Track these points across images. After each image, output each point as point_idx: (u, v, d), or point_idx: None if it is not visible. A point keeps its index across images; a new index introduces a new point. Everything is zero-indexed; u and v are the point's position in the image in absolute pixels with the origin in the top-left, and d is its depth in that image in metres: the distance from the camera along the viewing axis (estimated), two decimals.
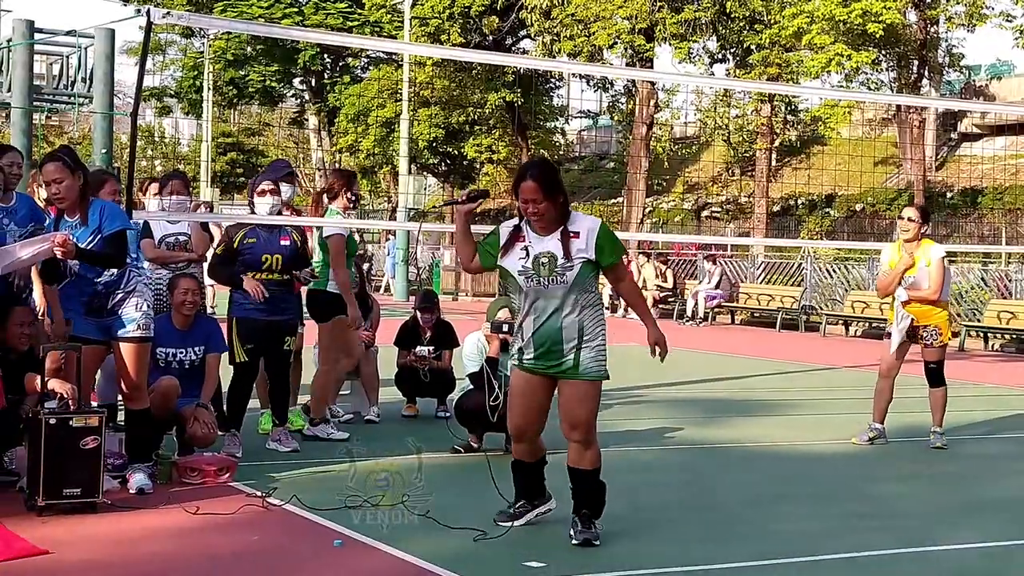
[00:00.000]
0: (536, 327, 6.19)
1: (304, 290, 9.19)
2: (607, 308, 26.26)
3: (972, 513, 7.50)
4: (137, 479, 7.13)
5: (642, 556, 6.10)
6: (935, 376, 9.81)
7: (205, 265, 9.26)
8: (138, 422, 7.24)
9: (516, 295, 6.34)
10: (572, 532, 6.24)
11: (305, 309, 9.52)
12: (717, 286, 26.51)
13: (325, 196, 9.46)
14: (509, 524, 6.47)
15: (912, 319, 9.69)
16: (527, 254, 6.18)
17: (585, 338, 6.15)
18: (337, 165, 49.04)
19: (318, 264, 9.29)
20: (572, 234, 6.17)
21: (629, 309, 26.88)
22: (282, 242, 8.65)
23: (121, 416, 8.11)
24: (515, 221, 6.31)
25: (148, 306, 7.13)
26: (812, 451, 9.68)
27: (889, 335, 9.90)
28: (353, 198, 9.42)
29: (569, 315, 6.14)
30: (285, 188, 9.50)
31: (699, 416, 11.37)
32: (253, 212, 8.81)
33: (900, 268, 9.65)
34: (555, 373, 6.22)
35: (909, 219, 9.75)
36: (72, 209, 6.95)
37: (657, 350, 6.36)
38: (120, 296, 7.03)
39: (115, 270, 6.99)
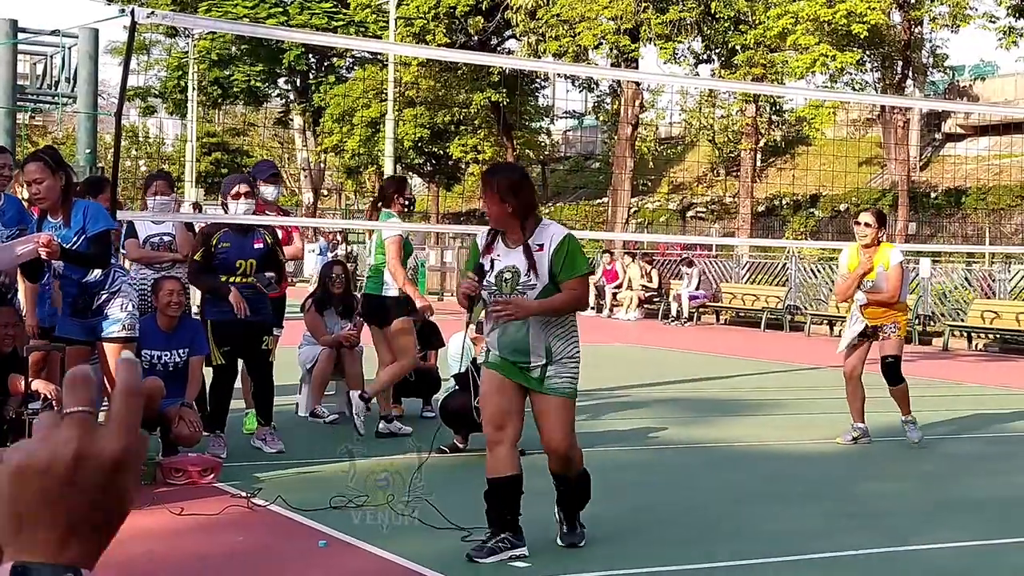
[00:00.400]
0: (500, 340, 5.98)
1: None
2: (592, 308, 26.38)
3: (954, 512, 7.53)
4: None
5: (626, 556, 6.12)
6: (892, 373, 9.73)
7: None
8: None
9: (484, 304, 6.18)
10: (557, 533, 6.24)
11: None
12: (697, 287, 26.55)
13: (380, 203, 9.65)
14: (486, 559, 5.86)
15: (866, 324, 9.70)
16: (492, 267, 6.01)
17: (554, 358, 5.95)
18: (322, 165, 49.07)
19: (373, 268, 9.39)
20: (538, 247, 5.96)
21: (614, 309, 27.16)
22: (255, 245, 8.64)
23: None
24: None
25: (133, 306, 7.13)
26: (796, 451, 9.70)
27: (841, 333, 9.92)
28: (406, 202, 9.61)
29: (534, 331, 5.90)
30: (270, 189, 9.51)
31: (684, 416, 11.39)
32: (226, 214, 8.80)
33: (858, 274, 9.63)
34: (523, 380, 6.01)
35: (865, 224, 9.68)
36: (55, 210, 6.93)
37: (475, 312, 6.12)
38: (105, 296, 7.03)
39: (99, 270, 6.98)
